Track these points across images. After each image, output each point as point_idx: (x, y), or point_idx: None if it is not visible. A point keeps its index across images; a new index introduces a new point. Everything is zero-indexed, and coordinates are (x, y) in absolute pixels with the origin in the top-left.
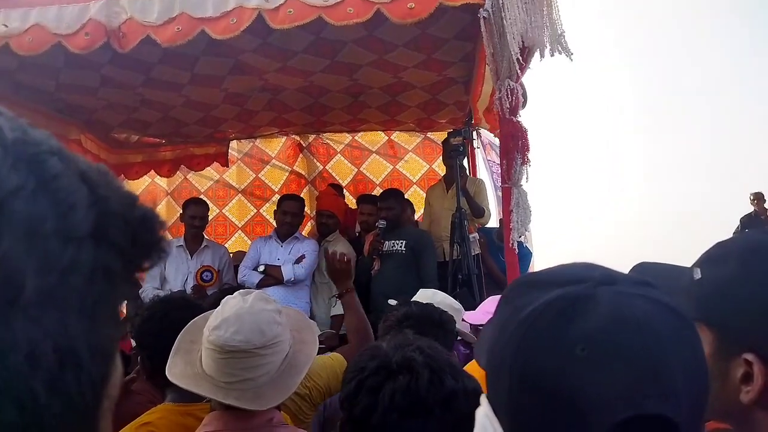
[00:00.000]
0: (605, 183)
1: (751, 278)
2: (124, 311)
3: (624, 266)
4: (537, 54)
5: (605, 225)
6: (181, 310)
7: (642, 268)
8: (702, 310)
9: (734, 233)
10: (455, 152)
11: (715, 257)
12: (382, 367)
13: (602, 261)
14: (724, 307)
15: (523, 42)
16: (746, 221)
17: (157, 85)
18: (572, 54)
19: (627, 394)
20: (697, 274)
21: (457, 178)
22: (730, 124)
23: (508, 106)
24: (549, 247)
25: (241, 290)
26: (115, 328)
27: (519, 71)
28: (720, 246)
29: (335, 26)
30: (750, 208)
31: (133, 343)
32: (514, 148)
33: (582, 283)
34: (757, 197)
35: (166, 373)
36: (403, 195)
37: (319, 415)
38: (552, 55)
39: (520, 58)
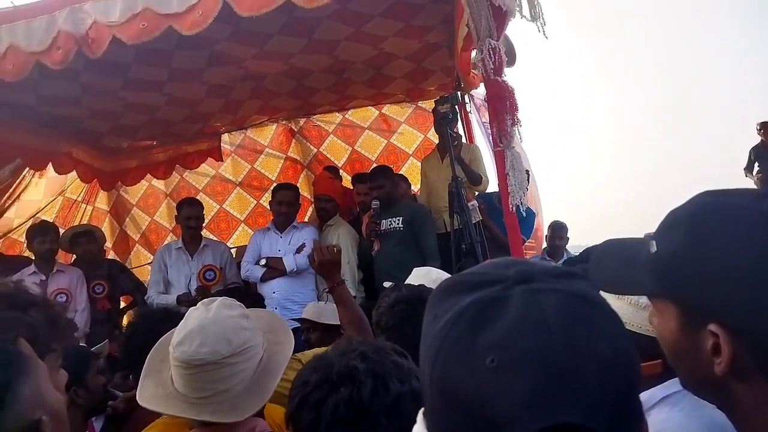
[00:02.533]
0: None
1: (699, 245)
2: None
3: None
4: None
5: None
6: (162, 322)
7: (606, 245)
8: (661, 285)
9: (746, 165)
10: (444, 120)
11: (666, 227)
12: (325, 380)
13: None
14: (679, 279)
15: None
16: (756, 151)
17: (137, 86)
18: (543, 21)
19: (536, 403)
20: (653, 247)
21: (449, 146)
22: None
23: (491, 66)
24: (560, 197)
25: (204, 299)
26: None
27: (497, 30)
28: (670, 215)
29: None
30: (758, 139)
31: None
32: (502, 109)
33: (498, 283)
34: (763, 126)
35: (137, 397)
36: (392, 170)
37: None
38: (530, 20)
39: (492, 19)
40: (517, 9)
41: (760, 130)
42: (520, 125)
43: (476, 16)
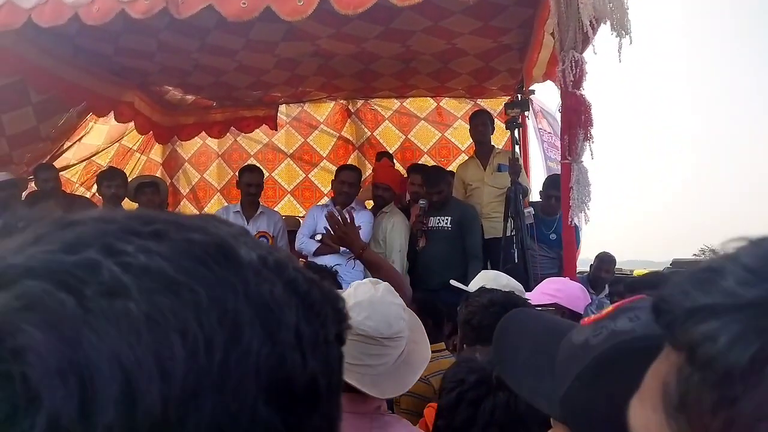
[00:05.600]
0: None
1: None
2: None
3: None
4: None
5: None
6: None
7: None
8: None
9: None
10: (513, 123)
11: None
12: (482, 381)
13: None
14: None
15: (594, 13)
16: None
17: (212, 51)
18: (630, 34)
19: None
20: (577, 336)
21: (514, 150)
22: None
23: (571, 78)
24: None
25: (371, 278)
26: None
27: (583, 43)
28: None
29: None
30: None
31: None
32: (576, 122)
33: None
34: None
35: None
36: (449, 174)
37: None
38: (616, 35)
39: (590, 29)
40: (608, 23)
41: None
42: (592, 141)
43: (564, 26)
